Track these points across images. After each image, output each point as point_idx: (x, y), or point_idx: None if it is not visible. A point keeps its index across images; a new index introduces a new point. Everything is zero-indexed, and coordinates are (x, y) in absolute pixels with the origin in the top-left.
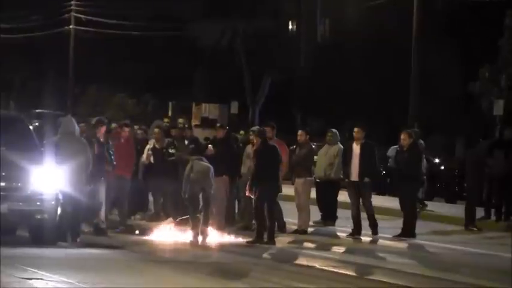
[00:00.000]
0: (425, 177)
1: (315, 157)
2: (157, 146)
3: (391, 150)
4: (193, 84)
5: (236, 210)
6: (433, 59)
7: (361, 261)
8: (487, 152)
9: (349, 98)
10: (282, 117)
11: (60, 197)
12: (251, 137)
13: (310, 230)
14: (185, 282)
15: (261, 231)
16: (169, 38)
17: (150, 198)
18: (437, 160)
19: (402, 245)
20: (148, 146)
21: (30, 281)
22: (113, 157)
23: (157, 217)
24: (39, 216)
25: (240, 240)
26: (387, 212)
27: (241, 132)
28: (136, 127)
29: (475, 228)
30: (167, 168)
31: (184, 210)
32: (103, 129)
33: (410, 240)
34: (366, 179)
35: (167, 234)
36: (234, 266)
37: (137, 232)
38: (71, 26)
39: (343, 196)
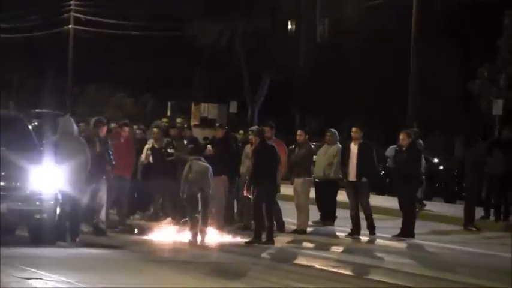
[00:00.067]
0: (424, 177)
1: (314, 157)
2: (156, 145)
3: (390, 150)
4: (192, 84)
5: (235, 210)
6: (432, 59)
7: (360, 261)
8: (486, 152)
9: (348, 97)
10: (281, 117)
11: (59, 196)
12: (250, 137)
13: (309, 229)
14: (184, 282)
15: (259, 231)
16: (168, 38)
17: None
18: (436, 160)
19: (401, 244)
20: (147, 146)
21: (29, 281)
22: (111, 157)
23: (157, 217)
24: (38, 216)
25: (239, 240)
26: (386, 211)
27: (241, 131)
28: (135, 127)
29: (474, 228)
30: (166, 168)
31: (184, 210)
32: (105, 128)
33: (409, 240)
34: (364, 179)
35: (166, 234)
36: (233, 265)
37: (136, 232)
38: (70, 26)
39: (342, 196)
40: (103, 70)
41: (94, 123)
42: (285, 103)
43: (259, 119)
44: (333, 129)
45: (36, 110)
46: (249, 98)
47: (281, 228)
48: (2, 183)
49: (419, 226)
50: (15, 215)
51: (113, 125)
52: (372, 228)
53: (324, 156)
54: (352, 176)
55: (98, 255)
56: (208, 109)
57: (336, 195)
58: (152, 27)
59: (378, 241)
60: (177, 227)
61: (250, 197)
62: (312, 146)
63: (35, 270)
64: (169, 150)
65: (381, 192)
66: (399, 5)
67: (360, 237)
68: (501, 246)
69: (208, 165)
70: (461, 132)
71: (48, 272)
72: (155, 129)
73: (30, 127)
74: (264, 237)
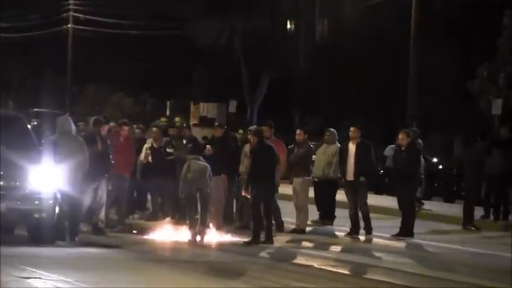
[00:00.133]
0: (423, 176)
1: (313, 156)
2: (155, 145)
3: (388, 150)
4: (191, 84)
5: (234, 210)
6: (431, 59)
7: (359, 260)
8: (486, 151)
9: (347, 97)
10: (280, 117)
11: (59, 196)
12: (249, 136)
13: (308, 229)
14: (183, 281)
15: (258, 231)
16: (167, 37)
17: (148, 197)
18: (435, 159)
19: (400, 244)
20: (146, 145)
21: (28, 280)
22: (110, 156)
23: (156, 216)
24: (37, 215)
25: (238, 239)
26: (385, 211)
27: (240, 131)
28: (134, 126)
29: (473, 228)
30: (165, 167)
31: (183, 209)
32: (106, 127)
33: (408, 240)
34: (362, 178)
35: (166, 233)
36: (232, 265)
37: (135, 231)
38: (69, 25)
39: (341, 195)
40: (102, 69)
41: (93, 122)
42: (284, 103)
43: (259, 119)
44: (332, 129)
45: (36, 110)
46: (249, 98)
47: (280, 227)
48: (1, 183)
49: (419, 226)
50: (15, 214)
51: (112, 124)
52: (369, 228)
53: (323, 156)
54: (350, 175)
55: (97, 255)
56: (207, 108)
57: (335, 195)
58: (151, 26)
59: (377, 240)
60: (176, 226)
61: (248, 196)
62: (311, 146)
63: (34, 270)
64: (168, 150)
65: (379, 191)
66: (399, 5)
67: (359, 236)
68: (500, 246)
69: (207, 165)
70: (460, 131)
71: (47, 271)
72: (154, 129)
73: (29, 126)
74: (262, 236)
